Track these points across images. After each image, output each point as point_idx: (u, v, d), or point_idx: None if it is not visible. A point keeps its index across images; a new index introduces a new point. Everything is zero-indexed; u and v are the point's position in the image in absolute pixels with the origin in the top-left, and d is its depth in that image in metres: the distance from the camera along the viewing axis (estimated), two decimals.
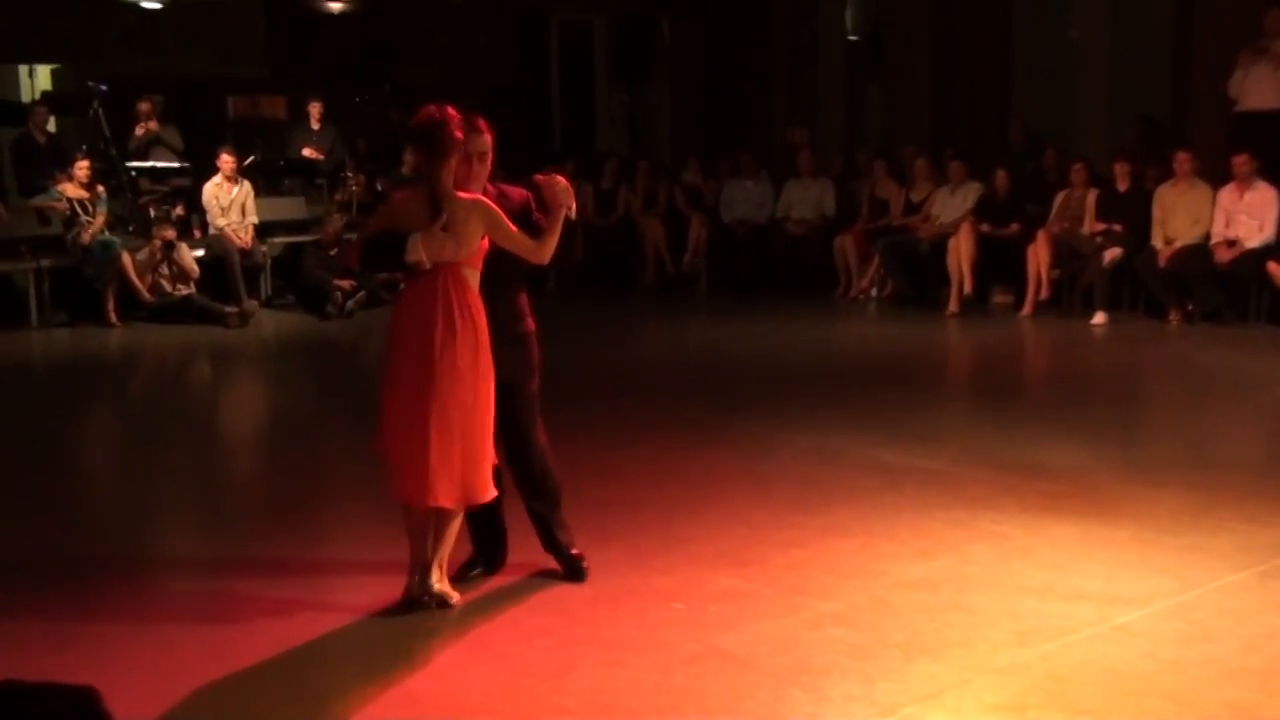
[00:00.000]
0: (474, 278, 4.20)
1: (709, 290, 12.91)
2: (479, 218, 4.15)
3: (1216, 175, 10.39)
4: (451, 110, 4.18)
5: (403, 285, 4.42)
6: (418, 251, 4.09)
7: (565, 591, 4.45)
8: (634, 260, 13.39)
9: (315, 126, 13.34)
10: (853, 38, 15.66)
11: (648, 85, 16.39)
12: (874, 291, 12.08)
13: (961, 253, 11.13)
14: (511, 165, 14.34)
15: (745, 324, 11.06)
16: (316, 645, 4.05)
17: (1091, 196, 10.96)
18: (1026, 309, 10.88)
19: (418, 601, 4.25)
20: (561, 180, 4.34)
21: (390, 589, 4.43)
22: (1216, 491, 5.55)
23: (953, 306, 11.12)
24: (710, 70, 15.71)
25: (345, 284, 11.65)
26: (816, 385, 8.49)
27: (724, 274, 12.92)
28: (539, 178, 4.36)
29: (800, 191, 12.91)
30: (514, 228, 4.22)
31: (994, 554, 4.77)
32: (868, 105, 15.69)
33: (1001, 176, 11.45)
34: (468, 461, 4.16)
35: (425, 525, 4.23)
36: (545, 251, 4.29)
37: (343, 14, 14.49)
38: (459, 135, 4.15)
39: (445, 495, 4.13)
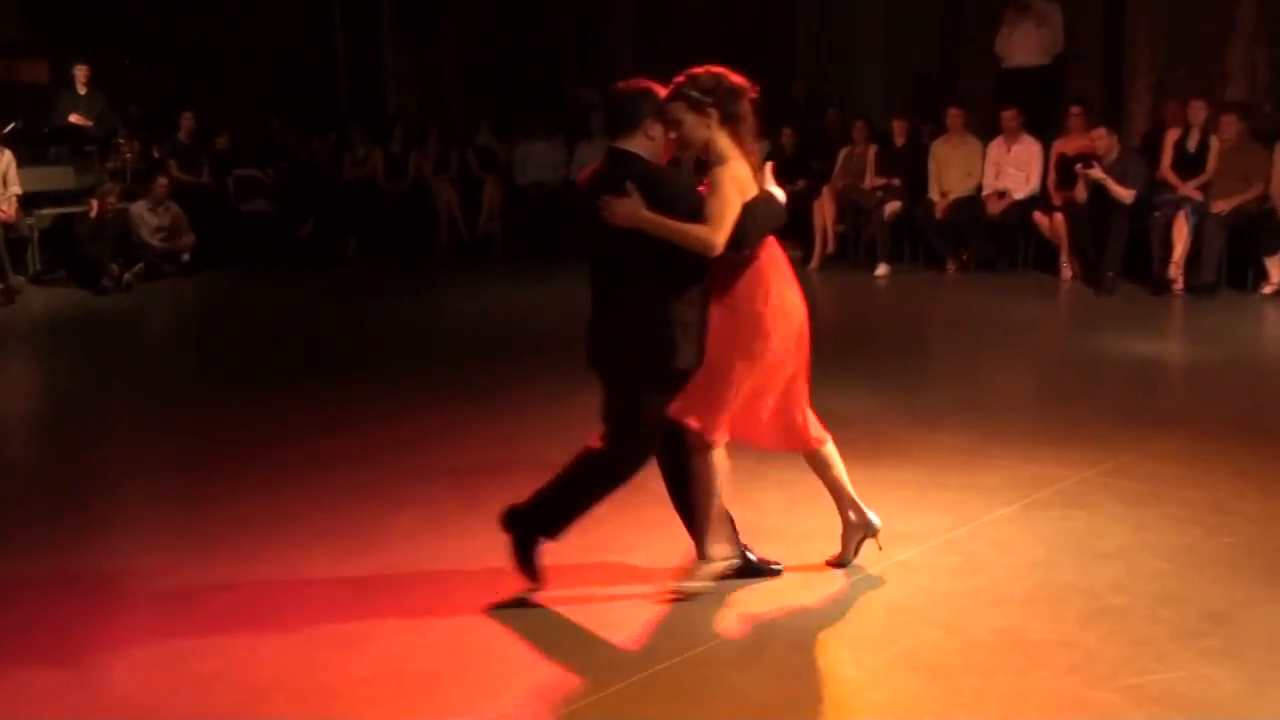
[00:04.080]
0: None
1: (505, 253, 12.86)
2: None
3: (986, 130, 10.87)
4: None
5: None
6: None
7: (359, 563, 4.39)
8: (427, 225, 13.20)
9: (82, 91, 12.65)
10: None
11: (436, 45, 16.12)
12: None
13: None
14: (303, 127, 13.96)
15: (542, 286, 11.05)
16: (99, 634, 3.90)
17: (871, 152, 11.34)
18: (814, 263, 11.20)
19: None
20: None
21: (175, 579, 4.30)
22: (989, 431, 5.85)
23: None
24: (499, 30, 15.55)
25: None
26: None
27: (519, 236, 12.87)
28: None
29: (593, 152, 12.89)
30: None
31: (783, 501, 4.91)
32: (658, 65, 15.78)
33: (788, 134, 11.73)
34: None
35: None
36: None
37: None
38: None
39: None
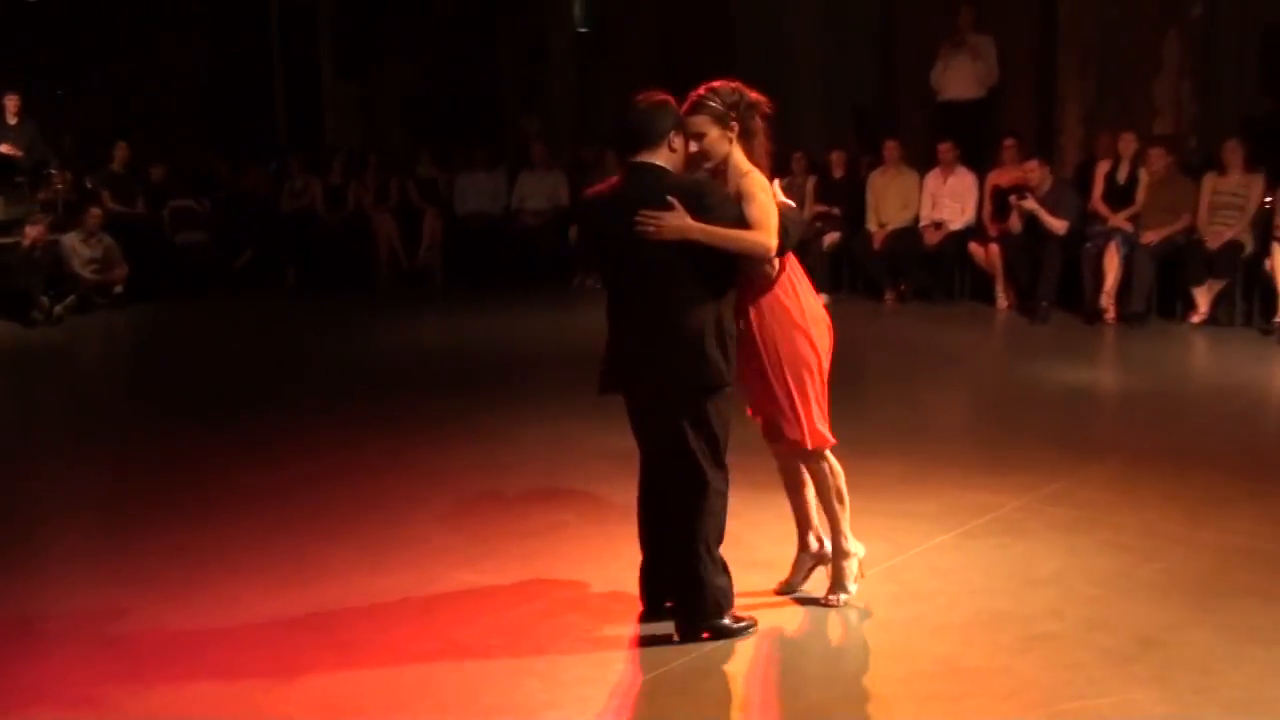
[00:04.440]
0: None
1: (445, 284, 12.79)
2: None
3: (922, 162, 11.01)
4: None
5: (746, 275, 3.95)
6: None
7: (292, 598, 4.33)
8: (366, 256, 13.11)
9: (12, 121, 12.45)
10: (582, 29, 15.80)
11: (375, 76, 16.07)
12: None
13: None
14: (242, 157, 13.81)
15: (482, 316, 11.02)
16: (26, 675, 3.80)
17: (810, 183, 11.43)
18: None
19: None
20: None
21: (104, 618, 4.21)
22: (927, 459, 5.89)
23: None
24: (439, 60, 15.54)
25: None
26: (553, 375, 8.53)
27: (460, 267, 12.83)
28: None
29: (534, 182, 12.94)
30: None
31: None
32: (599, 95, 15.85)
33: None
34: None
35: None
36: None
37: (40, 0, 13.58)
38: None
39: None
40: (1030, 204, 9.78)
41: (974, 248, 10.37)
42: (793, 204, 4.08)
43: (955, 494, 5.31)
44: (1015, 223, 9.95)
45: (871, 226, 10.89)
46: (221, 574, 4.59)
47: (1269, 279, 8.92)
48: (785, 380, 3.97)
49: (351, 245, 13.05)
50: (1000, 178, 10.39)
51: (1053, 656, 3.71)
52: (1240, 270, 9.26)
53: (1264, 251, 9.04)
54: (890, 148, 10.95)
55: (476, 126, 14.69)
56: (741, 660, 3.77)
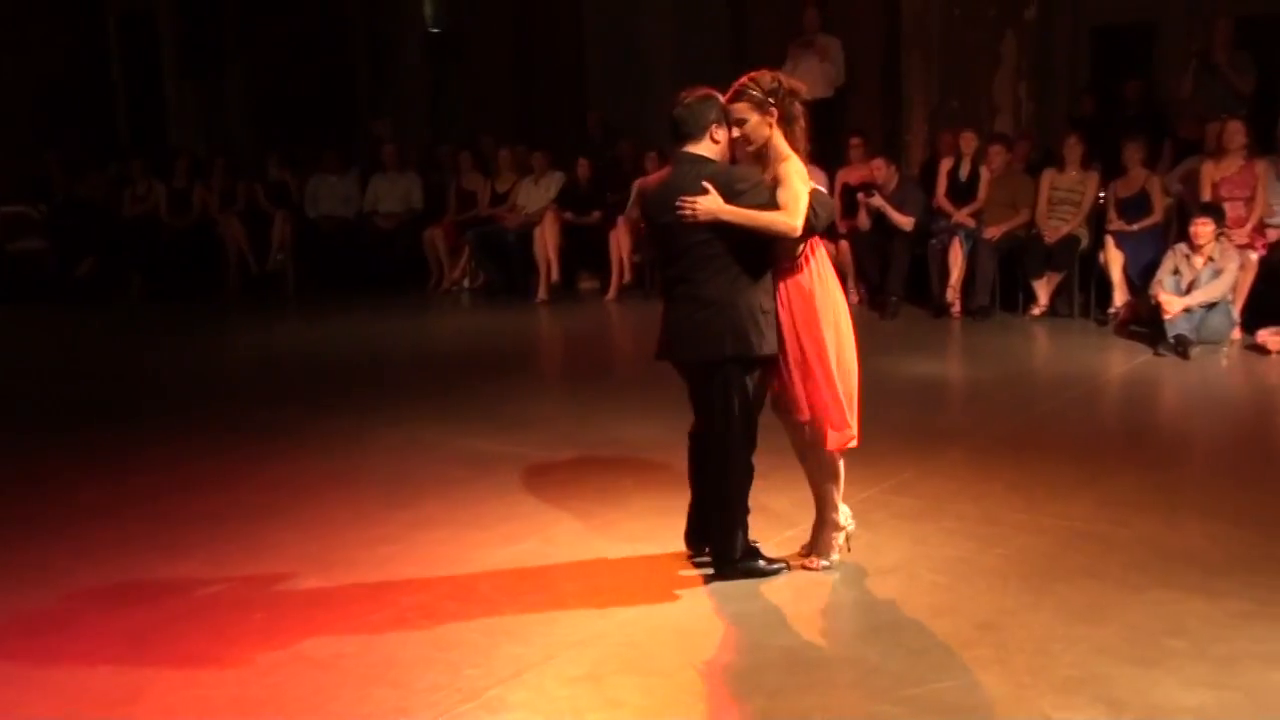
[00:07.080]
0: None
1: (297, 289, 12.54)
2: None
3: None
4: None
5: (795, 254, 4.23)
6: None
7: (133, 613, 4.19)
8: (214, 262, 12.78)
9: None
10: (433, 30, 15.65)
11: (221, 76, 15.66)
12: (465, 282, 12.17)
13: (547, 241, 11.42)
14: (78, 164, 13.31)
15: (336, 322, 10.84)
16: None
17: None
18: (611, 293, 11.30)
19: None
20: None
21: None
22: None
23: (542, 294, 11.38)
24: (287, 61, 15.22)
25: None
26: (410, 379, 8.45)
27: (312, 272, 12.59)
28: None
29: (387, 185, 12.77)
30: None
31: (577, 532, 4.92)
32: (451, 96, 15.72)
33: (583, 166, 11.82)
34: None
35: None
36: None
37: None
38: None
39: None
40: (877, 201, 10.01)
41: (824, 244, 10.54)
42: (823, 190, 4.36)
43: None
44: (864, 220, 10.17)
45: None
46: (58, 593, 4.42)
47: (1104, 271, 9.29)
48: (809, 370, 4.25)
49: (198, 251, 12.71)
50: (848, 176, 10.60)
51: (898, 644, 3.80)
52: (1077, 263, 9.61)
53: (1099, 245, 9.41)
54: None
55: (326, 128, 14.43)
56: (586, 661, 3.76)
